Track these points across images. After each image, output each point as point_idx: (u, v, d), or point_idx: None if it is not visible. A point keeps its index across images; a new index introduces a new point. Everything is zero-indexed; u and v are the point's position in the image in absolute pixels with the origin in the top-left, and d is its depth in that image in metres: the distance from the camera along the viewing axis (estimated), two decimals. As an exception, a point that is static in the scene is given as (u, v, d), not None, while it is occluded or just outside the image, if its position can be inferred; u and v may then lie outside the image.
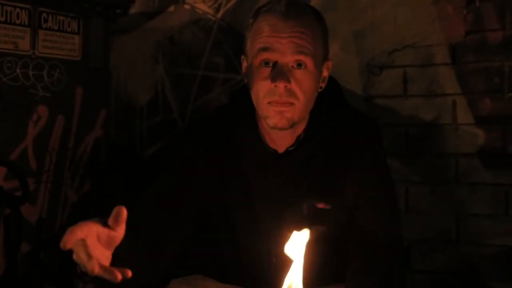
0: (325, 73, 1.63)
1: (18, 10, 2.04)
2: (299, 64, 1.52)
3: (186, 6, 2.69)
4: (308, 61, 1.52)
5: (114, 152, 2.61)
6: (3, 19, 2.00)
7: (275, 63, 1.51)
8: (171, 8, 2.72)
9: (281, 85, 1.49)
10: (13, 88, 2.03)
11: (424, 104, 2.30)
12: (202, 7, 2.66)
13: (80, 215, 2.26)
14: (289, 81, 1.50)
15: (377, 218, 1.58)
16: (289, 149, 1.61)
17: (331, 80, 1.74)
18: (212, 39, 2.64)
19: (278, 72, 1.49)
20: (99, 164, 2.34)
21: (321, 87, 1.62)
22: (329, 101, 1.66)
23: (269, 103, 1.51)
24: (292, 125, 1.55)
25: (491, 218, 2.21)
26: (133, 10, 2.59)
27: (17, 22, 2.04)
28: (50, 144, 2.15)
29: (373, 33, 2.36)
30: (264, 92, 1.52)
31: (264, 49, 1.52)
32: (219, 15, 2.63)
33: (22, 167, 2.06)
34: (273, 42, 1.51)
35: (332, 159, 1.60)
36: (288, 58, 1.51)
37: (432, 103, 2.29)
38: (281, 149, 1.61)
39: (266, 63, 1.52)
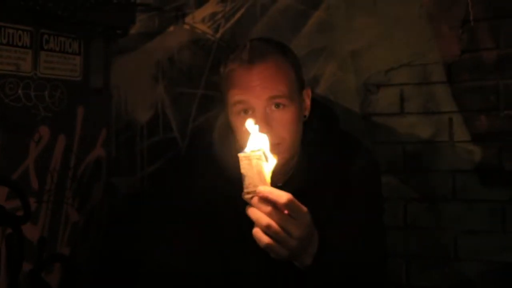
0: (307, 101, 1.65)
1: (20, 32, 2.06)
2: (277, 105, 1.54)
3: (186, 26, 2.72)
4: (285, 101, 1.54)
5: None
6: (5, 41, 2.02)
7: (254, 110, 1.54)
8: (171, 28, 2.75)
9: (263, 130, 1.52)
10: (15, 109, 2.05)
11: (421, 122, 2.33)
12: (202, 27, 2.69)
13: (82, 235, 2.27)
14: (270, 125, 1.53)
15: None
16: (278, 185, 1.63)
17: (326, 108, 1.76)
18: (212, 59, 2.67)
19: (259, 120, 1.51)
20: (100, 183, 2.36)
21: (305, 116, 1.65)
22: (322, 131, 1.68)
23: None
24: (285, 163, 1.58)
25: (488, 234, 2.22)
26: (133, 30, 2.62)
27: (19, 44, 2.06)
28: (51, 164, 2.17)
29: (370, 53, 2.39)
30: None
31: (240, 102, 1.55)
32: (218, 35, 2.66)
33: (24, 186, 2.07)
34: (246, 92, 1.53)
35: (324, 194, 1.61)
36: (264, 104, 1.53)
37: (429, 121, 2.32)
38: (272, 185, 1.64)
39: (245, 112, 1.55)
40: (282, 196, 1.28)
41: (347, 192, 1.60)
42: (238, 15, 2.63)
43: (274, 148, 1.54)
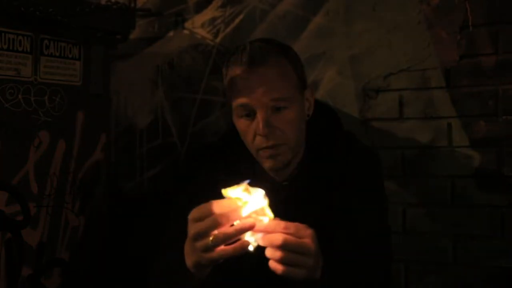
0: (310, 100, 1.66)
1: (20, 37, 2.07)
2: (278, 107, 1.54)
3: (186, 32, 2.73)
4: (286, 102, 1.54)
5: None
6: (5, 47, 2.03)
7: (255, 113, 1.54)
8: (171, 34, 2.76)
9: (265, 132, 1.52)
10: (15, 114, 2.05)
11: (420, 127, 2.33)
12: (201, 32, 2.70)
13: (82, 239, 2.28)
14: (273, 127, 1.53)
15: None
16: (284, 183, 1.63)
17: (328, 108, 1.77)
18: (211, 64, 2.67)
19: (260, 122, 1.52)
20: (100, 188, 2.36)
21: (308, 115, 1.65)
22: (325, 130, 1.68)
23: (260, 149, 1.54)
24: (288, 163, 1.58)
25: (487, 239, 2.23)
26: (133, 35, 2.63)
27: (19, 49, 2.07)
28: (51, 169, 2.17)
29: (369, 58, 2.40)
30: (252, 142, 1.55)
31: (241, 105, 1.55)
32: (217, 40, 2.67)
33: (23, 191, 2.08)
34: (248, 95, 1.53)
35: (329, 192, 1.61)
36: (265, 107, 1.53)
37: (428, 126, 2.32)
38: (279, 180, 1.64)
39: (247, 115, 1.56)
40: (278, 226, 1.26)
41: (351, 191, 1.60)
42: (237, 20, 2.64)
43: (278, 150, 1.55)
